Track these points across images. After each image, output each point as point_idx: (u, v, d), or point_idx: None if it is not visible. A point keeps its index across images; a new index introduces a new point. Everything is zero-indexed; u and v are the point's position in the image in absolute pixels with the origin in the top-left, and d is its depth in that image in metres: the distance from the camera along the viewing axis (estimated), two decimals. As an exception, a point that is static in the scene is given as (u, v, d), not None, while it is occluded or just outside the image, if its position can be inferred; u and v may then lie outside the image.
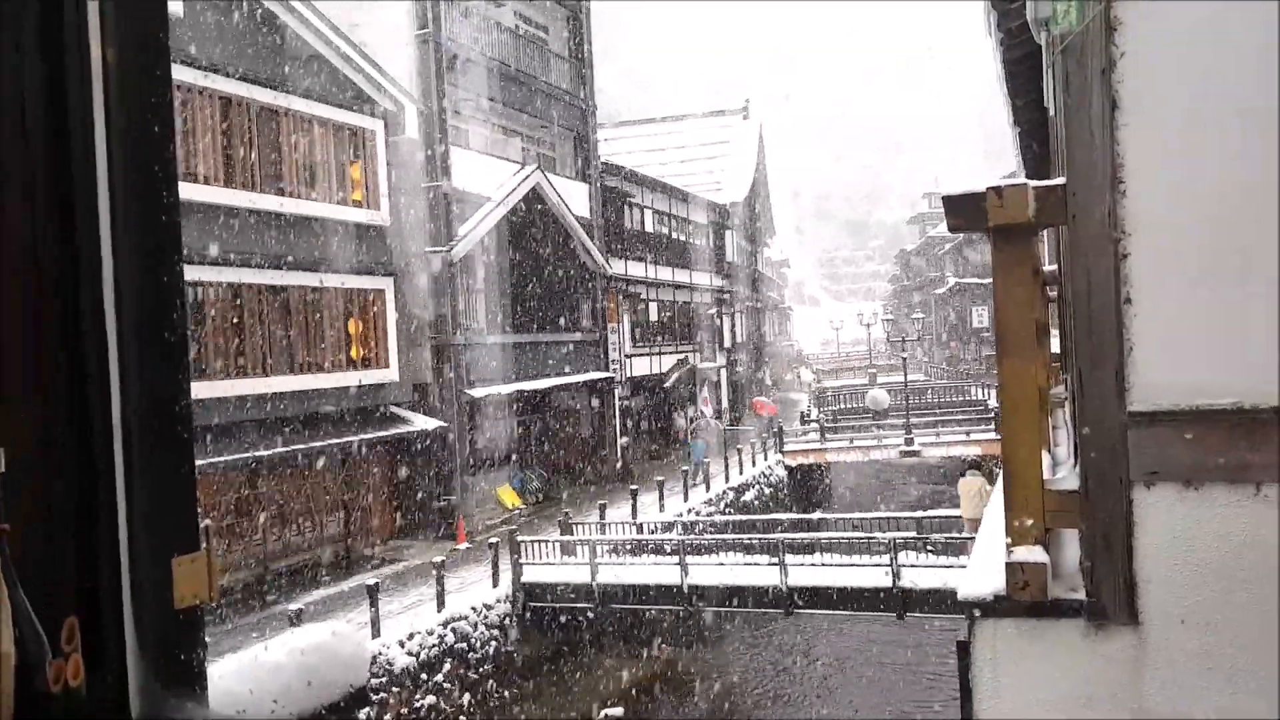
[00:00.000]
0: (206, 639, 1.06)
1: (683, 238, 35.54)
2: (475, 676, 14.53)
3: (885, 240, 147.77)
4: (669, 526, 19.13)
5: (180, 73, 14.49)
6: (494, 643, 15.05)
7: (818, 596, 14.54)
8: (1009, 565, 2.60)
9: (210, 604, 1.05)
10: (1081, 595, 2.56)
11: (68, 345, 0.90)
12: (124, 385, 0.95)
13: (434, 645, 13.88)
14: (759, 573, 14.95)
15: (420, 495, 20.19)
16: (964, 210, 2.73)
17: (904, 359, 32.97)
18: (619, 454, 27.85)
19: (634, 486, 21.85)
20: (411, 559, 18.53)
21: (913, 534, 15.48)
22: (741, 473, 26.12)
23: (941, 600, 13.29)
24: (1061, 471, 3.81)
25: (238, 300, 15.85)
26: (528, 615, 15.91)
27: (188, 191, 14.65)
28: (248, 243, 15.91)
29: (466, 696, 14.17)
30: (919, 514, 17.40)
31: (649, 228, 32.40)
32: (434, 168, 20.22)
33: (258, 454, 15.65)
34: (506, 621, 15.47)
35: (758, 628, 18.60)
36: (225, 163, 15.70)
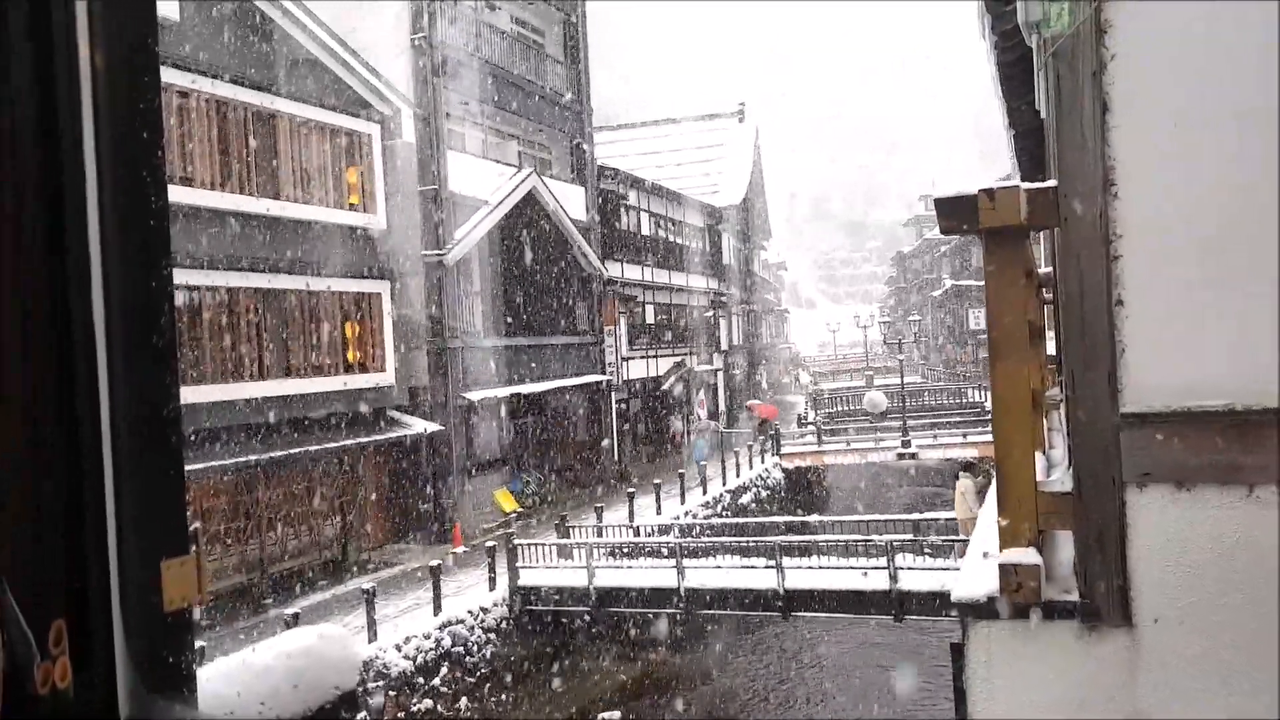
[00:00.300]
0: (198, 642, 1.06)
1: (679, 240, 35.57)
2: (472, 680, 14.50)
3: (882, 242, 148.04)
4: (666, 529, 19.12)
5: (177, 76, 14.49)
6: (490, 646, 15.03)
7: (815, 599, 14.53)
8: (1002, 567, 2.61)
9: (200, 606, 1.05)
10: (1075, 597, 2.57)
11: (56, 347, 0.90)
12: (113, 388, 0.95)
13: (430, 649, 13.86)
14: (756, 576, 14.94)
15: (417, 499, 20.17)
16: (956, 212, 2.74)
17: (901, 361, 33.00)
18: (616, 457, 27.84)
19: (631, 489, 21.84)
20: (408, 562, 18.50)
21: (910, 536, 15.49)
22: (739, 475, 26.12)
23: (939, 602, 13.29)
24: (1057, 473, 3.82)
25: (234, 304, 15.84)
26: (524, 619, 15.89)
27: (185, 196, 14.64)
28: (244, 247, 15.90)
29: (463, 700, 14.15)
30: (916, 516, 17.40)
31: (645, 231, 32.43)
32: (430, 171, 20.22)
33: (254, 458, 15.63)
34: (503, 625, 15.44)
35: (755, 631, 18.59)
36: (222, 167, 15.69)
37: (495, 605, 15.45)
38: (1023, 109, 7.10)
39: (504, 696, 14.90)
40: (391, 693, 12.93)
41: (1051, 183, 2.80)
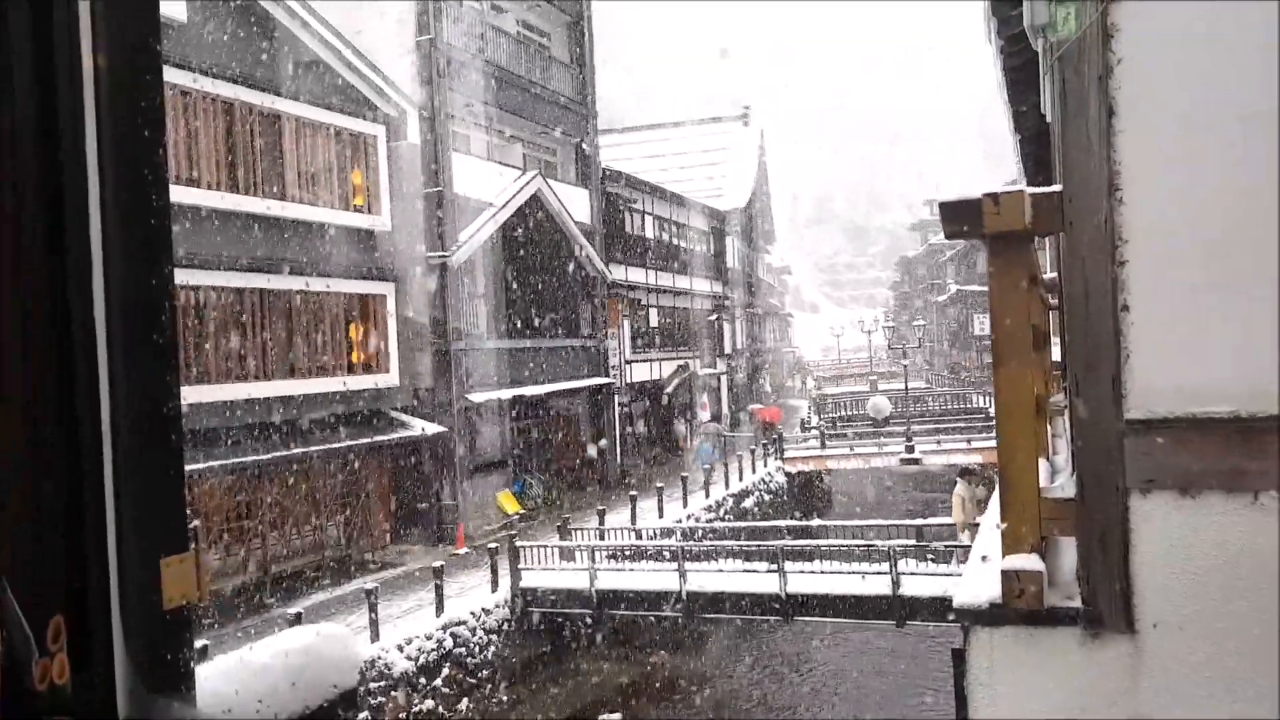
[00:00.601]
0: (200, 641, 1.06)
1: (683, 244, 35.59)
2: (473, 681, 14.50)
3: (886, 246, 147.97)
4: (668, 532, 19.12)
5: (183, 78, 14.53)
6: (492, 647, 15.03)
7: (817, 604, 14.50)
8: (1004, 573, 2.60)
9: (199, 605, 1.05)
10: (1078, 603, 2.56)
11: (57, 345, 0.90)
12: (113, 387, 0.95)
13: (433, 650, 13.86)
14: (758, 579, 14.92)
15: (420, 500, 20.18)
16: (961, 217, 2.73)
17: (905, 366, 32.96)
18: (618, 459, 27.84)
19: (633, 492, 21.82)
20: (411, 563, 18.51)
21: (913, 542, 15.46)
22: (741, 479, 26.10)
23: (942, 608, 13.26)
24: (1061, 479, 3.80)
25: (239, 305, 15.87)
26: (526, 620, 15.89)
27: (191, 197, 14.68)
28: (249, 247, 15.94)
29: (465, 701, 14.15)
30: (919, 521, 17.37)
31: (649, 234, 32.44)
32: (435, 173, 20.26)
33: (258, 458, 15.65)
34: (505, 626, 15.44)
35: (756, 635, 18.56)
36: (228, 168, 15.74)
37: (497, 606, 15.45)
38: (1028, 113, 7.09)
39: (505, 697, 14.89)
40: (393, 693, 12.93)
41: (1056, 187, 2.80)
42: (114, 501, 0.96)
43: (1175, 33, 2.39)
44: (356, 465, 18.81)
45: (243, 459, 15.34)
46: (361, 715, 12.25)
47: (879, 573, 14.14)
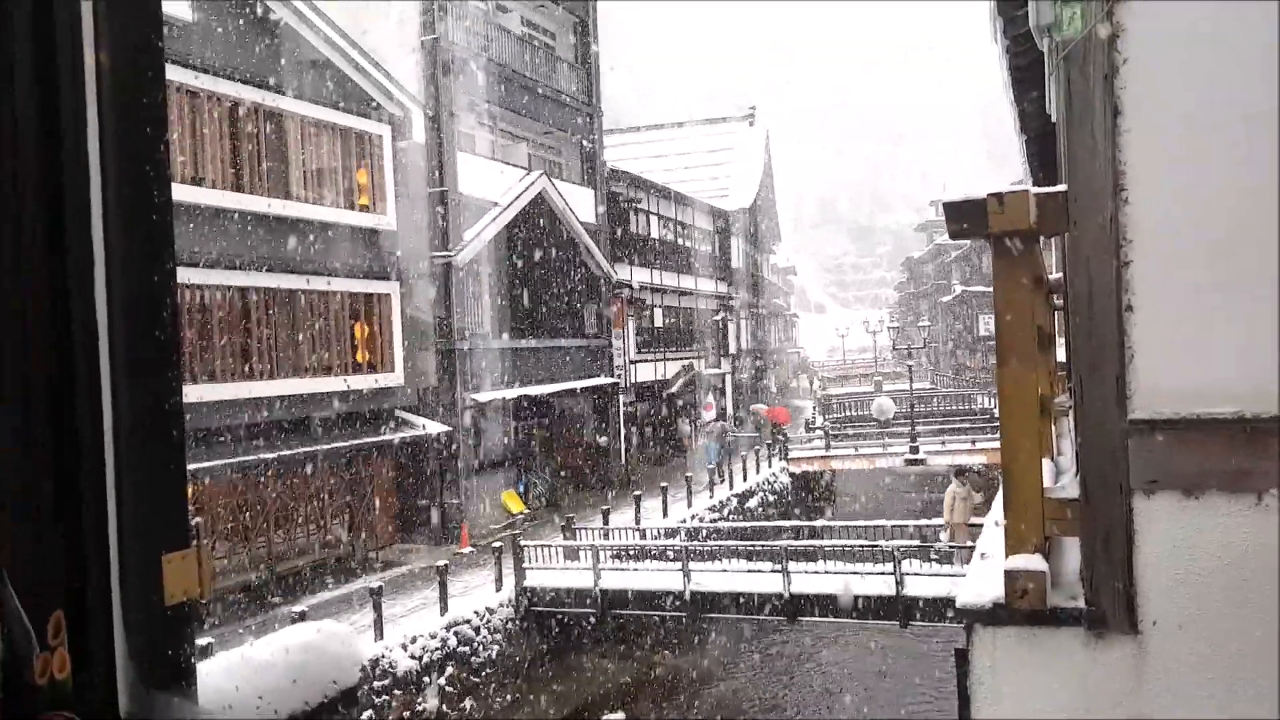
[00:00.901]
0: (201, 639, 1.06)
1: (688, 244, 35.57)
2: (477, 680, 14.51)
3: (892, 247, 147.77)
4: (672, 532, 19.12)
5: (188, 77, 14.57)
6: (496, 646, 15.04)
7: (821, 604, 14.49)
8: (1008, 573, 2.59)
9: (201, 601, 1.05)
10: (1081, 603, 2.55)
11: (59, 342, 0.91)
12: (115, 382, 0.95)
13: (437, 648, 13.87)
14: (762, 580, 14.91)
15: (424, 499, 20.20)
16: (965, 216, 2.73)
17: (910, 367, 32.90)
18: (623, 459, 27.84)
19: (637, 492, 21.82)
20: (415, 562, 18.53)
21: (916, 542, 15.44)
22: (745, 479, 26.08)
23: (946, 609, 13.24)
24: (1064, 479, 3.79)
25: (244, 303, 15.90)
26: (530, 619, 15.90)
27: (196, 196, 14.71)
28: (255, 246, 15.96)
29: (469, 700, 14.16)
30: (923, 522, 17.34)
31: (654, 234, 32.44)
32: (440, 172, 20.27)
33: (263, 456, 15.68)
34: (509, 625, 15.45)
35: (760, 635, 18.54)
36: (233, 167, 15.77)
37: (501, 606, 15.46)
38: (1033, 113, 7.08)
39: (509, 696, 14.90)
40: (397, 691, 12.95)
41: (1061, 187, 2.79)
42: (115, 497, 0.96)
43: (1181, 33, 2.38)
44: (360, 464, 18.83)
45: (247, 458, 15.37)
46: (365, 714, 12.26)
47: (882, 573, 14.12)
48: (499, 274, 22.68)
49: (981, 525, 14.56)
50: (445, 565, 15.01)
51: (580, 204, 25.68)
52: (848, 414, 36.36)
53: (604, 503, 21.57)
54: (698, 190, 38.32)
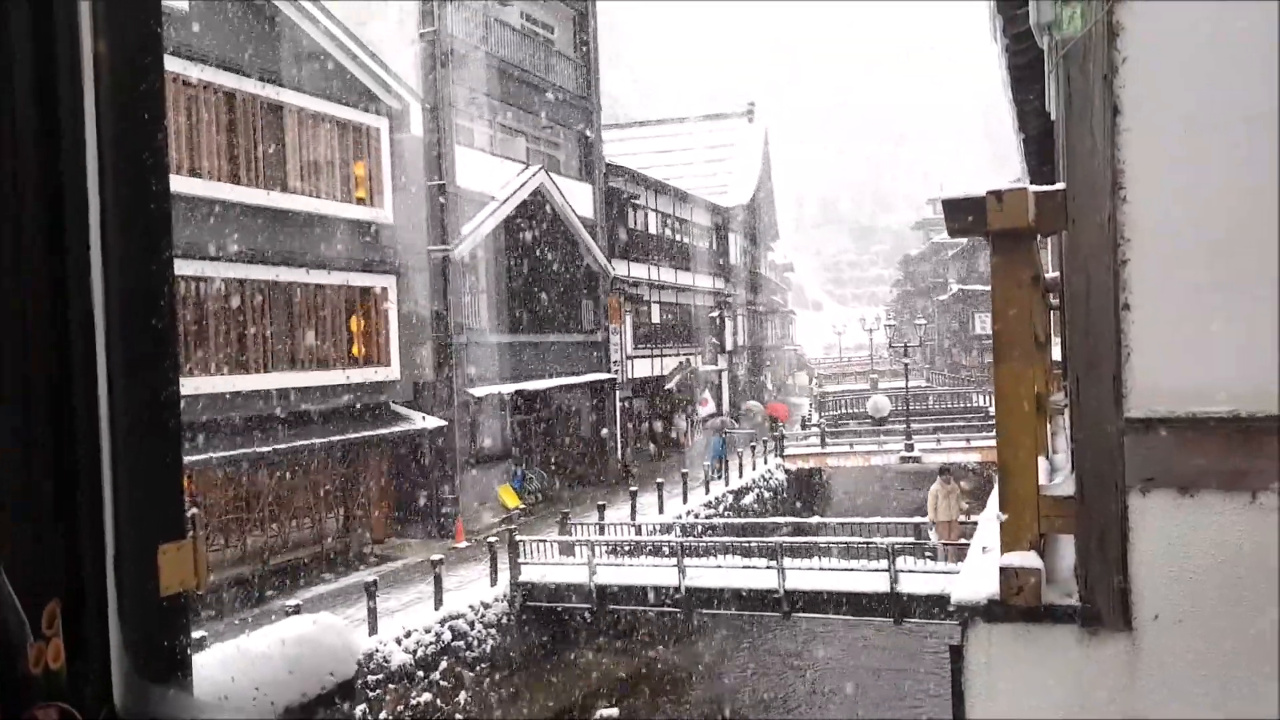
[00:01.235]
0: (199, 633, 1.06)
1: (686, 240, 35.55)
2: (472, 674, 14.52)
3: (890, 245, 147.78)
4: (668, 528, 19.13)
5: (185, 67, 14.52)
6: (491, 641, 15.05)
7: (816, 600, 14.52)
8: (1003, 570, 2.60)
9: (197, 592, 1.04)
10: (1076, 600, 2.56)
11: (55, 330, 0.90)
12: (111, 372, 0.95)
13: (431, 643, 13.88)
14: (757, 576, 14.93)
15: (420, 493, 20.20)
16: (964, 214, 2.73)
17: (906, 365, 32.94)
18: (619, 455, 27.85)
19: (633, 488, 21.84)
20: (410, 557, 18.53)
21: (911, 539, 15.47)
22: (741, 476, 26.11)
23: (940, 606, 13.27)
24: (1060, 477, 3.80)
25: (240, 296, 15.87)
26: (525, 614, 15.91)
27: (192, 187, 14.68)
28: (251, 239, 15.93)
29: (463, 694, 14.17)
30: (917, 519, 17.38)
31: (652, 229, 32.41)
32: (438, 166, 20.24)
33: (258, 450, 15.66)
34: (504, 620, 15.46)
35: (755, 630, 18.58)
36: (229, 158, 15.73)
37: (496, 600, 15.47)
38: (1032, 112, 7.08)
39: (504, 691, 14.92)
40: (391, 685, 12.95)
41: (1060, 185, 2.79)
42: (111, 487, 0.95)
43: (1181, 32, 2.38)
44: (356, 458, 18.82)
45: (241, 451, 15.34)
46: (359, 708, 12.26)
47: (877, 570, 14.15)
48: (496, 268, 22.65)
49: (967, 522, 14.65)
50: (440, 560, 15.01)
51: (578, 199, 25.65)
52: (844, 411, 36.38)
53: (600, 498, 21.59)
54: (696, 186, 38.30)
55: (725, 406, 39.24)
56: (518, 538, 16.29)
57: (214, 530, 15.61)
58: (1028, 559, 2.60)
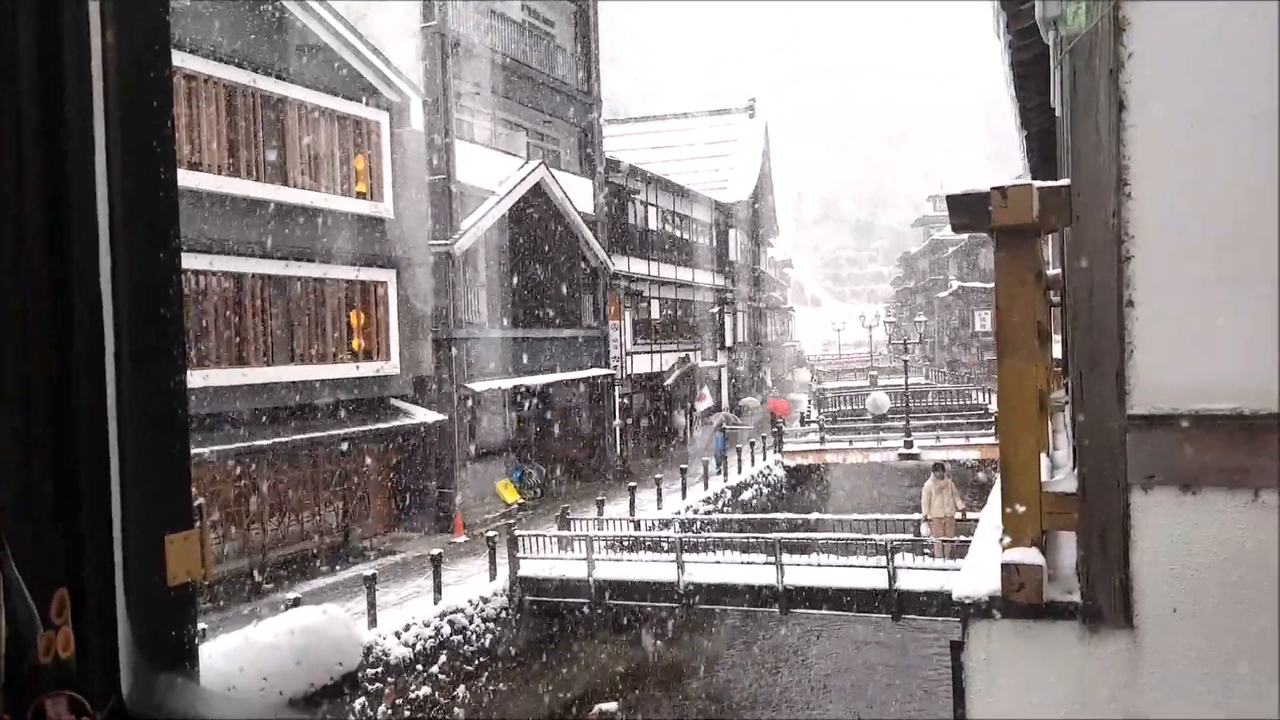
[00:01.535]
0: (198, 619, 1.06)
1: (686, 236, 35.52)
2: (470, 669, 14.54)
3: (889, 242, 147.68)
4: (666, 524, 19.14)
5: (185, 60, 14.48)
6: (490, 635, 15.06)
7: (814, 596, 14.52)
8: (1004, 566, 2.60)
9: (203, 582, 1.04)
10: (1077, 598, 2.56)
11: (63, 320, 0.90)
12: (119, 361, 0.95)
13: (430, 637, 13.89)
14: (755, 571, 14.94)
15: (419, 488, 20.20)
16: (968, 210, 2.72)
17: (905, 362, 32.95)
18: (618, 450, 27.86)
19: (632, 483, 21.85)
20: (409, 551, 18.54)
21: (909, 536, 15.48)
22: (740, 472, 26.12)
23: (938, 602, 13.29)
24: (1061, 474, 3.80)
25: (240, 290, 15.85)
26: (524, 609, 15.92)
27: (192, 180, 14.65)
28: (251, 232, 15.91)
29: (461, 688, 14.19)
30: (916, 516, 17.39)
31: (652, 225, 32.38)
32: (438, 160, 20.21)
33: (257, 443, 15.66)
34: (503, 614, 15.47)
35: (753, 626, 18.60)
36: (229, 152, 15.70)
37: (495, 595, 15.48)
38: (1035, 109, 7.07)
39: (502, 685, 14.93)
40: (390, 679, 12.96)
41: (1064, 181, 2.79)
42: (119, 477, 0.95)
43: (1187, 28, 2.38)
44: (356, 452, 18.82)
45: (241, 444, 15.34)
46: (358, 701, 12.28)
47: (875, 566, 14.16)
48: (496, 263, 22.63)
49: (962, 519, 14.63)
50: (439, 554, 15.02)
51: (579, 194, 25.62)
52: (843, 408, 36.40)
53: (599, 493, 21.60)
54: (696, 182, 38.27)
55: (724, 402, 39.26)
56: (517, 532, 16.30)
57: (212, 523, 15.61)
58: (1029, 556, 2.60)
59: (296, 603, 12.87)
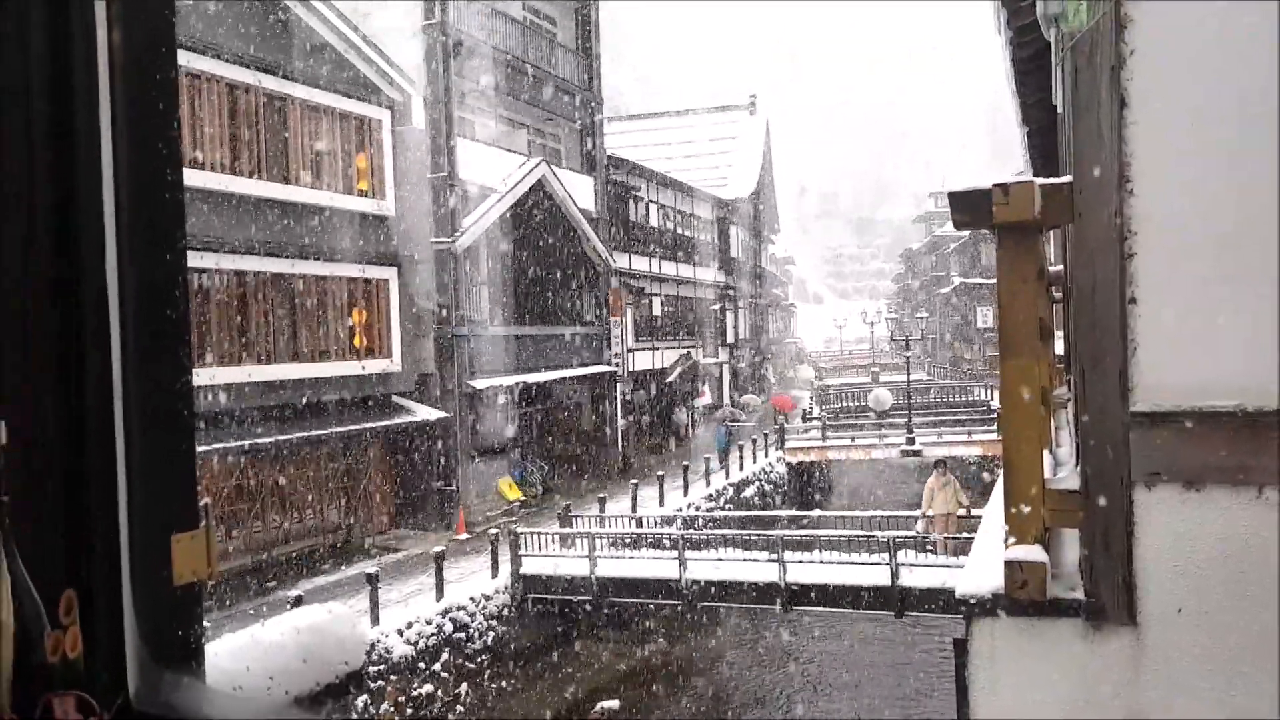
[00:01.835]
0: (204, 618, 1.06)
1: (687, 233, 35.52)
2: (473, 666, 14.56)
3: (891, 239, 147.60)
4: (668, 521, 19.15)
5: (187, 59, 14.49)
6: (492, 633, 15.09)
7: (816, 594, 14.54)
8: (1007, 563, 2.60)
9: (209, 581, 1.05)
10: (1080, 595, 2.56)
11: (69, 320, 0.90)
12: (125, 361, 0.95)
13: (432, 634, 13.92)
14: (757, 569, 14.95)
15: (421, 485, 20.22)
16: (970, 207, 2.72)
17: (907, 358, 32.94)
18: (619, 447, 27.88)
19: (634, 480, 21.86)
20: (411, 548, 18.56)
21: (911, 533, 15.49)
22: (742, 469, 26.13)
23: (940, 599, 13.29)
24: (1063, 472, 3.80)
25: (242, 288, 15.87)
26: (526, 606, 15.94)
27: (195, 178, 14.66)
28: (253, 230, 15.92)
29: (464, 686, 14.21)
30: (918, 513, 17.39)
31: (654, 222, 32.38)
32: (440, 158, 20.21)
33: (260, 441, 15.68)
34: (505, 612, 15.50)
35: (756, 623, 18.61)
36: (231, 150, 15.71)
37: (497, 592, 15.51)
38: (1036, 105, 7.06)
39: (505, 683, 14.96)
40: (393, 677, 12.99)
41: (1066, 178, 2.79)
42: (125, 477, 0.96)
43: (1189, 25, 2.37)
44: (358, 450, 18.84)
45: (242, 442, 15.36)
46: (361, 699, 12.31)
47: (878, 563, 14.16)
48: (497, 261, 22.64)
49: (968, 516, 14.60)
50: (441, 552, 15.04)
51: (580, 191, 25.62)
52: (845, 405, 36.39)
53: (601, 491, 21.61)
54: (698, 179, 38.26)
55: (726, 399, 39.26)
56: (519, 530, 16.32)
57: (215, 521, 15.64)
58: (1033, 553, 2.60)
59: (299, 600, 12.89)
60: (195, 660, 1.01)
